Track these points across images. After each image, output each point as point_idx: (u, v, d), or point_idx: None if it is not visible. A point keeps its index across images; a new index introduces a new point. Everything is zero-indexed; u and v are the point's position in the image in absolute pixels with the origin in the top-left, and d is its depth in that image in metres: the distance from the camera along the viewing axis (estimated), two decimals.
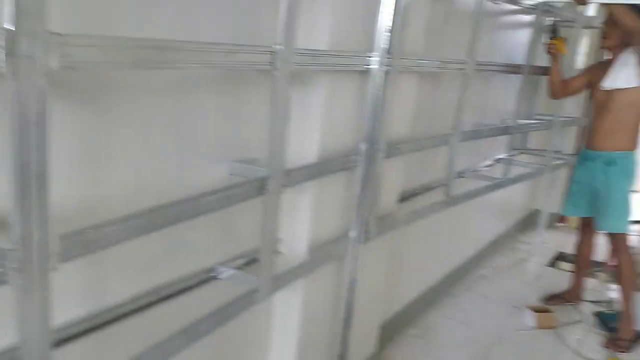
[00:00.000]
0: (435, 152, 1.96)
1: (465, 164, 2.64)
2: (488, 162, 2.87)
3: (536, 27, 2.71)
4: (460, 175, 2.50)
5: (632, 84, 2.20)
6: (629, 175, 2.34)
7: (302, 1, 1.22)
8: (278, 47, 1.00)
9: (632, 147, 2.33)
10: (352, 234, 1.51)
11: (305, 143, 1.33)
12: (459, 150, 1.97)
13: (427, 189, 2.20)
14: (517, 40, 2.59)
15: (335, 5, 1.23)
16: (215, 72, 1.08)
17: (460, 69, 1.80)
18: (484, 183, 2.32)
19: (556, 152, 2.89)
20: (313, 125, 1.31)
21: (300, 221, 1.41)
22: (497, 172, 2.59)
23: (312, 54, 1.13)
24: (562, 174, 3.38)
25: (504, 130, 2.26)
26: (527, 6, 2.16)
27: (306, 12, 1.24)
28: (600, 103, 2.31)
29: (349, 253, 1.52)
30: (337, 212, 1.50)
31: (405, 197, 2.02)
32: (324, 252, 1.44)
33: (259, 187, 1.09)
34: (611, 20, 2.20)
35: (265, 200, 1.11)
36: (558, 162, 2.97)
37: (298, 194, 1.38)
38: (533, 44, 2.80)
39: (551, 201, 3.82)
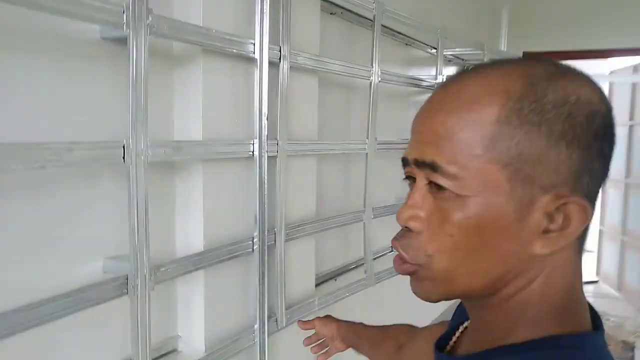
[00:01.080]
0: (360, 229, 1.95)
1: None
2: None
3: None
4: (390, 251, 2.49)
5: None
6: None
7: (173, 91, 1.25)
8: (129, 140, 1.00)
9: None
10: (257, 325, 1.44)
11: (189, 233, 1.30)
12: (384, 226, 1.97)
13: (353, 267, 2.17)
14: None
15: (207, 94, 1.25)
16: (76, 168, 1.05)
17: (362, 150, 1.83)
18: None
19: None
20: (195, 215, 1.28)
21: (196, 316, 1.34)
22: None
23: (174, 146, 1.13)
24: None
25: None
26: (427, 86, 2.26)
27: (178, 102, 1.26)
28: None
29: (255, 346, 1.44)
30: (238, 302, 1.44)
31: (326, 279, 1.97)
32: (224, 347, 1.36)
33: (121, 285, 1.04)
34: None
35: (131, 299, 1.05)
36: None
37: (192, 286, 1.33)
38: None
39: None
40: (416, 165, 0.51)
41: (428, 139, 0.49)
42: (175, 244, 1.32)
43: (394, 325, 1.07)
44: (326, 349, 1.15)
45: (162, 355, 1.32)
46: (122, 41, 0.99)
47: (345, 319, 1.14)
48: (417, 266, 0.51)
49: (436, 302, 0.52)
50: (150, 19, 1.01)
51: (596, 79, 0.51)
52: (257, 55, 1.31)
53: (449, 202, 0.48)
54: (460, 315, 0.68)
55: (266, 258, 1.42)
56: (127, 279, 1.04)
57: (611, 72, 4.94)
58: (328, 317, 1.16)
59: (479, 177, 0.47)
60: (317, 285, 1.82)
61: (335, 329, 1.11)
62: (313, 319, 1.17)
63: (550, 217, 0.48)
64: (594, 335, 0.50)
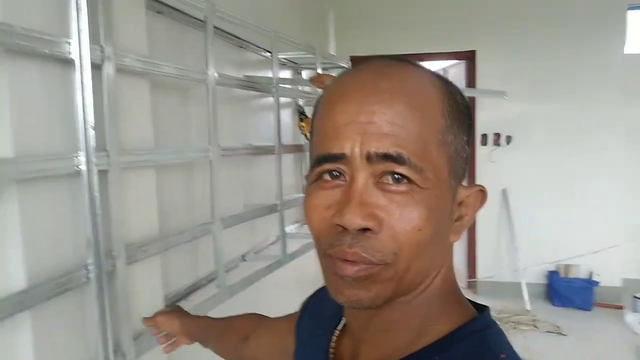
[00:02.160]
0: (211, 242, 1.84)
1: (248, 246, 2.58)
2: (272, 239, 2.86)
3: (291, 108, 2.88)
4: (242, 260, 2.43)
5: None
6: None
7: None
8: None
9: None
10: None
11: (6, 269, 1.08)
12: (234, 235, 1.89)
13: (205, 283, 2.06)
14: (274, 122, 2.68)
15: (16, 102, 1.05)
16: None
17: (205, 157, 1.73)
18: (266, 263, 2.26)
19: None
20: (12, 247, 1.07)
21: None
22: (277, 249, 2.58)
23: None
24: None
25: (271, 209, 2.25)
26: (263, 90, 2.25)
27: None
28: None
29: None
30: (76, 341, 1.25)
31: (177, 299, 1.84)
32: None
33: None
34: None
35: None
36: None
37: (15, 332, 1.11)
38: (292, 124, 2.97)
39: None
40: (368, 159, 0.46)
41: (385, 130, 0.46)
42: None
43: (238, 316, 1.04)
44: (173, 339, 1.12)
45: None
46: None
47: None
48: (381, 267, 0.47)
49: (376, 307, 0.48)
50: None
51: None
52: (75, 56, 1.15)
53: (408, 197, 0.46)
54: (315, 316, 0.67)
55: (105, 286, 1.25)
56: None
57: None
58: (173, 311, 1.12)
59: (435, 170, 0.47)
60: (166, 307, 1.68)
61: (178, 325, 1.07)
62: (155, 315, 1.14)
63: (459, 207, 0.51)
64: (488, 312, 0.54)
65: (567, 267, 4.37)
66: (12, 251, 1.08)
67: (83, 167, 1.17)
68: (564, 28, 4.19)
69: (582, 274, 4.35)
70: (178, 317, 1.09)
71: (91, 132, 1.18)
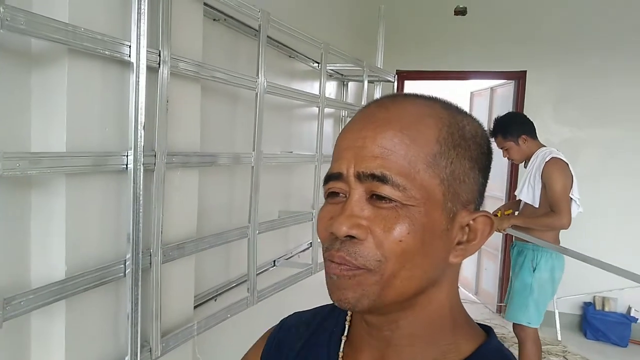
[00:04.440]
0: (244, 245, 1.86)
1: (279, 252, 2.60)
2: (304, 247, 2.88)
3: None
4: (272, 265, 2.45)
5: (527, 200, 2.61)
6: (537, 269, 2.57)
7: (30, 95, 1.09)
8: None
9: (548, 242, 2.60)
10: (128, 358, 1.29)
11: (48, 258, 1.13)
12: (267, 240, 1.91)
13: (234, 285, 2.09)
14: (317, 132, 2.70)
15: (73, 99, 1.10)
16: None
17: (247, 162, 1.76)
18: (295, 270, 2.28)
19: None
20: (55, 237, 1.12)
21: (55, 353, 1.17)
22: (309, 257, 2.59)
23: (33, 157, 0.97)
24: None
25: (306, 217, 2.26)
26: (310, 100, 2.26)
27: (37, 108, 1.09)
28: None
29: None
30: (106, 333, 1.29)
31: (206, 299, 1.87)
32: None
33: None
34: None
35: None
36: None
37: (50, 319, 1.16)
38: (336, 133, 2.98)
39: None
40: (358, 178, 0.53)
41: (375, 153, 0.52)
42: (31, 271, 1.14)
43: None
44: None
45: None
46: None
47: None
48: (363, 271, 0.52)
49: (360, 310, 0.54)
50: (1, 10, 0.86)
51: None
52: (133, 59, 1.19)
53: (393, 211, 0.52)
54: (285, 346, 0.70)
55: (140, 283, 1.28)
56: None
57: (471, 93, 5.40)
58: None
59: (422, 189, 0.52)
60: (195, 307, 1.71)
61: None
62: None
63: (462, 230, 0.55)
64: (493, 332, 0.59)
65: (604, 299, 4.21)
66: (55, 241, 1.13)
67: (130, 165, 1.21)
68: (621, 51, 4.04)
69: (620, 309, 4.18)
70: None
71: (142, 132, 1.21)
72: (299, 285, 2.21)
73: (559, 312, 4.23)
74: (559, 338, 4.09)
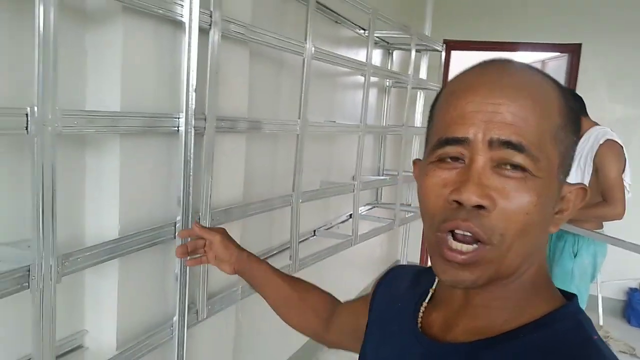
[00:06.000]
0: (285, 213, 1.87)
1: (319, 222, 2.59)
2: (343, 218, 2.86)
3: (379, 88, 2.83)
4: (312, 235, 2.45)
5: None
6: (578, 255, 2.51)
7: (86, 54, 1.09)
8: (34, 108, 0.83)
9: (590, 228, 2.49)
10: (176, 317, 1.32)
11: (102, 218, 1.14)
12: (307, 210, 1.90)
13: (276, 252, 2.10)
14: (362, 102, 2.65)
15: (127, 59, 1.09)
16: None
17: (293, 130, 1.74)
18: (335, 241, 2.27)
19: (405, 205, 2.97)
20: (109, 197, 1.13)
21: (107, 309, 1.20)
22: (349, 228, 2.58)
23: (89, 116, 0.97)
24: (416, 226, 3.49)
25: (348, 188, 2.24)
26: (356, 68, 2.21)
27: (92, 67, 1.09)
28: None
29: (172, 341, 1.32)
30: (155, 293, 1.31)
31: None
32: (139, 343, 1.22)
33: (21, 277, 0.88)
34: None
35: (34, 294, 0.90)
36: (408, 214, 3.06)
37: (103, 276, 1.18)
38: (379, 104, 2.91)
39: (408, 252, 3.94)
40: (490, 144, 0.51)
41: (508, 120, 0.51)
42: (85, 229, 1.17)
43: (302, 283, 1.01)
44: (199, 255, 1.08)
45: (65, 353, 1.17)
46: None
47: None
48: (488, 248, 0.51)
49: (477, 287, 0.54)
50: None
51: None
52: (185, 19, 1.17)
53: (522, 183, 0.50)
54: (390, 293, 0.73)
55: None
56: (29, 271, 0.88)
57: None
58: (230, 239, 1.08)
59: (548, 161, 0.52)
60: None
61: (234, 257, 1.05)
62: (209, 230, 1.08)
63: (561, 201, 0.56)
64: (577, 299, 0.58)
65: None
66: (109, 201, 1.14)
67: (182, 128, 1.20)
68: None
69: None
70: (236, 249, 1.06)
71: (193, 95, 1.20)
72: (337, 256, 2.20)
73: (602, 297, 4.11)
74: (601, 323, 3.99)
